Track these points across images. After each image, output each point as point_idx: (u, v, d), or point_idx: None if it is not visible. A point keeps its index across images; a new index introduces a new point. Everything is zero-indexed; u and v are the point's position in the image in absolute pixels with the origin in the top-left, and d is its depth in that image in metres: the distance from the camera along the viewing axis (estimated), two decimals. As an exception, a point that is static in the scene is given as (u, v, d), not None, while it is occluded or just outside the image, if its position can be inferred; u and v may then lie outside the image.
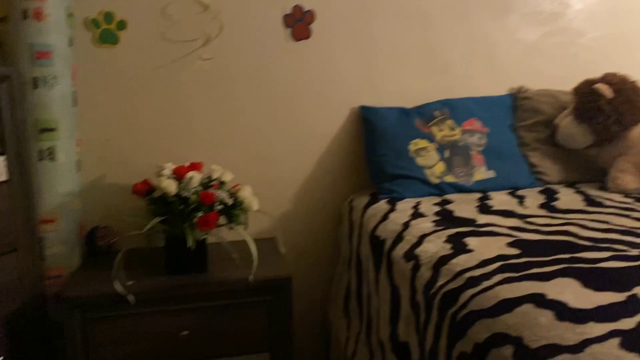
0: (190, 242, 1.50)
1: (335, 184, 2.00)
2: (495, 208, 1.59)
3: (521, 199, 1.69)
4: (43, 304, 1.57)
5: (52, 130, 1.59)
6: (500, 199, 1.69)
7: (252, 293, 1.56)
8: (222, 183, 1.65)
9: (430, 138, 1.87)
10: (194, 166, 1.63)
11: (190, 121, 1.86)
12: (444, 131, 1.88)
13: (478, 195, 1.76)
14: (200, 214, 1.52)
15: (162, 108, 1.83)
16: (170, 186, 1.52)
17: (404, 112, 1.92)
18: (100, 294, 1.48)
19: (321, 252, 2.02)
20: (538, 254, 1.17)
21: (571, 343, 0.84)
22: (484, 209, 1.60)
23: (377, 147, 1.87)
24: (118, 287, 1.47)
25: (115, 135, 1.81)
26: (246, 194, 1.62)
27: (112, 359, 1.50)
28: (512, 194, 1.77)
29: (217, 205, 1.56)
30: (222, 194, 1.55)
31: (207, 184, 1.62)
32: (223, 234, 1.64)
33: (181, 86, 1.83)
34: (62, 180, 1.64)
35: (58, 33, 1.59)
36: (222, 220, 1.59)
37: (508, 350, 0.89)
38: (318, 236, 2.01)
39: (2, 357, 1.44)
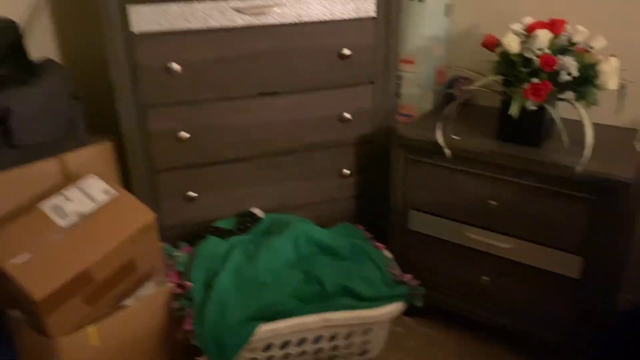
0: (513, 110, 1.34)
1: None
2: None
3: None
4: (388, 135, 1.75)
5: (424, -30, 1.60)
6: None
7: (576, 186, 1.32)
8: (589, 48, 1.35)
9: None
10: (554, 24, 1.37)
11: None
12: None
13: None
14: (536, 79, 1.32)
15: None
16: (512, 42, 1.35)
17: None
18: (422, 139, 1.52)
19: None
20: None
21: None
22: None
23: None
24: (439, 138, 1.48)
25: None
26: (607, 67, 1.29)
27: (421, 200, 1.59)
28: None
29: (563, 74, 1.31)
30: (568, 62, 1.29)
31: (564, 47, 1.36)
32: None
33: None
34: (427, 23, 1.67)
35: None
36: (567, 94, 1.34)
37: None
38: None
39: (349, 172, 1.72)
